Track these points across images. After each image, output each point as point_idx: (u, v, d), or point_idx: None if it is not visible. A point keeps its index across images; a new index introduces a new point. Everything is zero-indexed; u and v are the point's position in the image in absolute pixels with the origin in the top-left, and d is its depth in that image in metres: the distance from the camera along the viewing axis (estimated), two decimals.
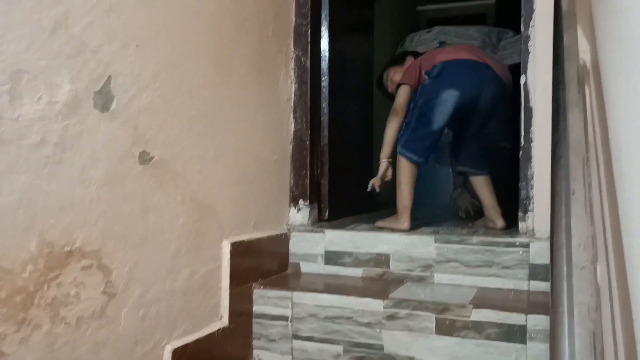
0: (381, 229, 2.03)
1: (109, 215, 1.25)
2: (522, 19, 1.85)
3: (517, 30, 3.13)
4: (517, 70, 3.15)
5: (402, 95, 2.14)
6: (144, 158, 1.36)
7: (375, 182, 2.18)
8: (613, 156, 1.08)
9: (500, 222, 2.10)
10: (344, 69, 2.37)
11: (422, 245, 1.87)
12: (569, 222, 0.84)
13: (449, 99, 2.05)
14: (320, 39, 2.18)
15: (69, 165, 1.15)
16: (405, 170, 2.08)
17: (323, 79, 2.19)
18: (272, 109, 1.98)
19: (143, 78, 1.35)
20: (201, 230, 1.58)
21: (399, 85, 2.17)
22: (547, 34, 1.75)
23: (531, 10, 1.81)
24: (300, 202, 2.10)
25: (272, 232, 1.95)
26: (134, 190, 1.33)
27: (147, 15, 1.36)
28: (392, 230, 2.00)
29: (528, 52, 1.82)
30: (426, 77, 2.11)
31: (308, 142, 2.09)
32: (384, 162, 2.16)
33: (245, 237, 1.78)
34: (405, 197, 2.08)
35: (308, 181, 2.10)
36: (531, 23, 1.81)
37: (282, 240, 1.99)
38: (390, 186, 2.22)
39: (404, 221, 2.03)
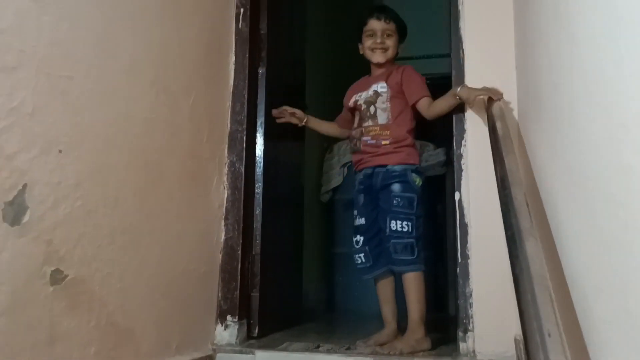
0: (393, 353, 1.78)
1: (8, 350, 1.05)
2: (454, 137, 1.90)
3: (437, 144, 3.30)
4: (439, 181, 3.30)
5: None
6: (56, 278, 1.18)
7: None
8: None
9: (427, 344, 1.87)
10: (277, 175, 2.32)
11: None
12: None
13: None
14: (255, 145, 2.13)
15: None
16: (422, 282, 1.92)
17: (257, 185, 2.12)
18: (203, 216, 1.86)
19: (63, 187, 1.21)
20: (116, 359, 1.37)
21: (423, 96, 1.98)
22: (480, 153, 1.81)
23: (463, 130, 1.87)
24: (229, 318, 1.93)
25: (196, 354, 1.75)
26: (40, 317, 1.14)
27: (73, 120, 1.24)
28: (414, 353, 1.78)
29: (461, 170, 1.85)
30: (418, 179, 1.98)
31: (239, 252, 1.97)
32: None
33: None
34: (423, 309, 1.89)
35: (238, 294, 1.95)
36: (463, 142, 1.86)
37: None
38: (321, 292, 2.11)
39: (425, 338, 1.85)
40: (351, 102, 2.12)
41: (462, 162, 1.86)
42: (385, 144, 1.96)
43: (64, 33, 1.21)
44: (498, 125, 1.55)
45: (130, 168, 1.46)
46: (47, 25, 1.16)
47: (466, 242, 1.80)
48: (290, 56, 2.54)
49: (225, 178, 2.02)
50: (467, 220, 1.81)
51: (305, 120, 2.21)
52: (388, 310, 1.98)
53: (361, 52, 2.12)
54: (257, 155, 2.14)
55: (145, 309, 1.51)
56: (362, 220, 2.01)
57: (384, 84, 2.03)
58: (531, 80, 1.63)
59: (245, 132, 2.05)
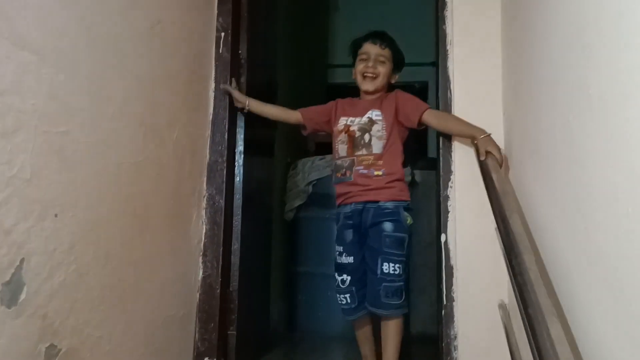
0: None
1: None
2: (440, 178, 1.91)
3: None
4: None
5: None
6: (51, 354, 1.08)
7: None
8: None
9: None
10: (254, 202, 2.24)
11: None
12: None
13: None
14: (234, 177, 2.05)
15: None
16: (402, 326, 1.89)
17: (235, 218, 2.03)
18: (182, 257, 1.77)
19: (58, 254, 1.10)
20: None
21: (427, 108, 1.90)
22: (469, 196, 1.83)
23: (450, 171, 1.88)
24: None
25: None
26: None
27: (68, 178, 1.13)
28: None
29: (447, 212, 1.86)
30: (409, 218, 1.91)
31: (218, 291, 1.89)
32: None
33: None
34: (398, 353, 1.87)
35: (216, 335, 1.87)
36: (450, 184, 1.87)
37: None
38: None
39: None
40: (341, 125, 1.95)
41: (449, 203, 1.86)
42: (378, 175, 1.85)
43: (61, 84, 1.10)
44: (495, 177, 1.57)
45: (120, 219, 1.35)
46: (46, 78, 1.05)
47: (451, 284, 1.81)
48: (265, 81, 2.46)
49: (203, 212, 1.93)
50: (452, 262, 1.82)
51: (247, 104, 2.01)
52: (368, 350, 1.96)
53: (353, 77, 2.02)
54: (236, 186, 2.05)
55: None
56: (350, 259, 1.88)
57: (379, 112, 1.92)
58: (519, 127, 1.66)
59: (225, 164, 1.96)
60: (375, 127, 1.90)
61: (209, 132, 1.96)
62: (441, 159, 1.90)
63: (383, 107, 1.93)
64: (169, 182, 1.65)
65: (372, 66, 1.93)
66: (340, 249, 1.93)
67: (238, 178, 2.06)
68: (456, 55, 1.91)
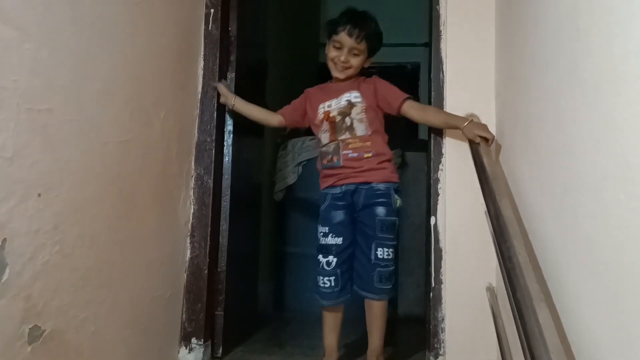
0: None
1: None
2: (430, 161, 1.90)
3: None
4: None
5: None
6: (34, 335, 1.07)
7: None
8: None
9: None
10: (243, 182, 2.22)
11: None
12: None
13: None
14: (223, 157, 2.02)
15: None
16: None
17: (224, 198, 2.01)
18: (170, 237, 1.75)
19: (42, 234, 1.08)
20: None
21: (407, 98, 1.86)
22: (459, 178, 1.82)
23: (440, 154, 1.87)
24: (193, 340, 1.85)
25: None
26: None
27: (52, 158, 1.11)
28: None
29: (438, 195, 1.86)
30: (399, 200, 1.89)
31: (206, 272, 1.88)
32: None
33: None
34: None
35: (203, 316, 1.87)
36: (440, 167, 1.86)
37: None
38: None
39: None
40: (320, 113, 1.88)
41: (439, 186, 1.86)
42: (368, 157, 1.81)
43: (44, 61, 1.07)
44: (486, 161, 1.56)
45: (105, 200, 1.33)
46: (29, 54, 1.02)
47: (440, 267, 1.82)
48: (255, 60, 2.42)
49: (192, 193, 1.91)
50: (442, 245, 1.83)
51: (233, 102, 1.95)
52: (333, 339, 1.89)
53: (326, 53, 1.89)
54: (225, 166, 2.03)
55: (116, 349, 1.41)
56: (339, 240, 1.81)
57: (358, 93, 1.86)
58: (512, 110, 1.65)
59: (214, 144, 1.93)
60: (355, 110, 1.84)
61: (197, 111, 1.93)
62: (432, 141, 1.89)
63: (361, 89, 1.87)
64: (156, 162, 1.63)
65: (344, 59, 1.84)
66: (326, 229, 1.85)
67: (227, 158, 2.04)
68: (449, 37, 1.89)
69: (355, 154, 1.82)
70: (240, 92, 2.07)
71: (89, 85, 1.25)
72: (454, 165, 1.84)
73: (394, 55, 4.59)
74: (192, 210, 1.90)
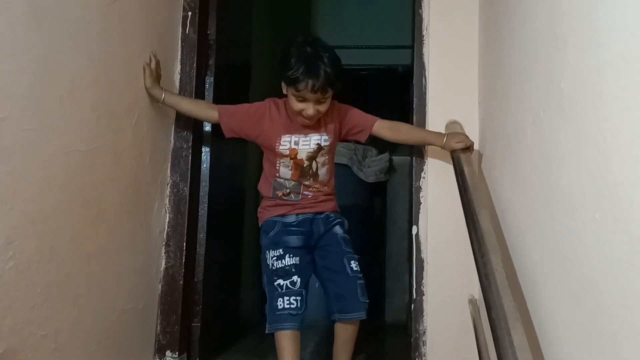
0: None
1: None
2: (412, 169, 1.85)
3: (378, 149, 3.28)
4: (380, 187, 3.28)
5: None
6: None
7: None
8: None
9: None
10: (222, 189, 2.17)
11: None
12: None
13: None
14: (201, 163, 1.97)
15: None
16: None
17: (201, 206, 1.96)
18: (142, 248, 1.70)
19: None
20: None
21: (375, 120, 1.76)
22: (441, 187, 1.78)
23: (422, 162, 1.82)
24: (168, 353, 1.79)
25: None
26: None
27: (4, 169, 1.05)
28: None
29: (419, 203, 1.81)
30: (346, 223, 1.82)
31: (181, 282, 1.82)
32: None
33: None
34: None
35: (179, 327, 1.81)
36: (423, 175, 1.82)
37: None
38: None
39: None
40: (285, 149, 1.69)
41: (421, 194, 1.81)
42: (324, 198, 1.75)
43: None
44: (466, 170, 1.51)
45: (68, 211, 1.27)
46: None
47: (422, 278, 1.77)
48: (237, 62, 2.37)
49: (167, 201, 1.85)
50: (423, 255, 1.78)
51: (162, 98, 1.72)
52: None
53: (284, 93, 1.66)
54: (202, 173, 1.98)
55: None
56: (297, 260, 1.66)
57: (327, 137, 1.71)
58: (493, 119, 1.60)
59: (191, 150, 1.88)
60: (321, 153, 1.72)
61: (173, 116, 1.88)
62: (414, 147, 1.85)
63: (328, 129, 1.72)
64: (127, 171, 1.57)
65: (312, 114, 1.61)
66: (279, 251, 1.68)
67: (205, 165, 1.98)
68: (432, 42, 1.84)
69: (311, 196, 1.74)
70: (220, 95, 2.02)
71: (51, 91, 1.20)
72: (437, 173, 1.80)
73: (384, 58, 4.56)
74: (167, 219, 1.85)
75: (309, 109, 1.60)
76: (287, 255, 1.68)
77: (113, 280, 1.50)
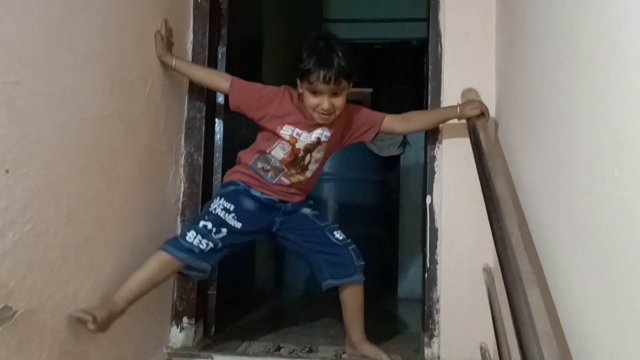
0: None
1: None
2: (427, 137, 1.84)
3: None
4: (393, 161, 3.27)
5: None
6: (5, 316, 1.03)
7: None
8: None
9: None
10: (234, 163, 2.17)
11: None
12: None
13: None
14: (214, 134, 1.97)
15: None
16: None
17: (216, 176, 1.97)
18: (159, 216, 1.71)
19: (11, 212, 1.04)
20: None
21: (384, 116, 1.77)
22: (456, 156, 1.76)
23: (437, 131, 1.80)
24: (185, 320, 1.82)
25: None
26: None
27: (21, 132, 1.06)
28: None
29: (434, 173, 1.80)
30: None
31: None
32: None
33: None
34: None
35: (195, 295, 1.83)
36: (437, 144, 1.80)
37: None
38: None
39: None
40: (285, 134, 1.66)
41: (435, 164, 1.80)
42: (295, 192, 1.74)
43: (9, 29, 1.01)
44: (482, 137, 1.50)
45: (84, 176, 1.29)
46: None
47: (435, 247, 1.77)
48: (249, 35, 2.35)
49: (182, 171, 1.86)
50: (437, 225, 1.77)
51: (174, 65, 1.69)
52: (139, 291, 1.51)
53: (300, 92, 1.63)
54: (216, 144, 1.98)
55: None
56: (238, 225, 1.63)
57: (329, 133, 1.68)
58: (511, 84, 1.58)
59: (204, 120, 1.88)
60: (318, 149, 1.69)
61: (186, 86, 1.88)
62: None
63: (332, 125, 1.68)
64: (142, 139, 1.58)
65: (327, 107, 1.57)
66: (230, 207, 1.64)
67: (218, 135, 1.99)
68: (448, 7, 1.81)
69: (287, 183, 1.71)
70: (232, 66, 2.01)
71: (64, 56, 1.20)
72: (452, 143, 1.78)
73: (398, 31, 4.50)
74: (182, 189, 1.86)
75: (324, 102, 1.57)
76: (231, 215, 1.64)
77: (129, 247, 1.52)
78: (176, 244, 1.56)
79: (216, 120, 1.98)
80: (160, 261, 1.54)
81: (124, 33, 1.47)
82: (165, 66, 1.69)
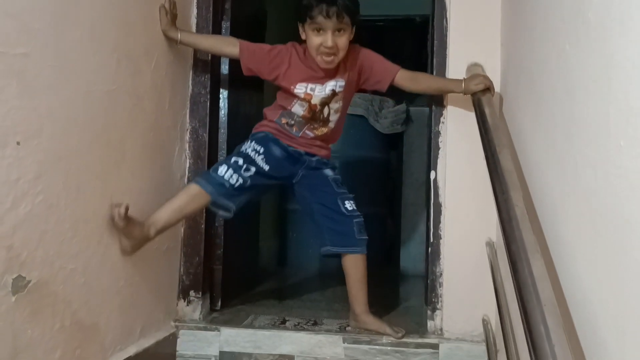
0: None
1: None
2: (432, 113, 1.84)
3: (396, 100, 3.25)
4: (396, 138, 3.27)
5: None
6: (18, 285, 1.05)
7: None
8: None
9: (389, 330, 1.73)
10: (240, 136, 2.17)
11: (329, 346, 1.74)
12: None
13: None
14: (219, 109, 1.98)
15: None
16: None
17: (220, 152, 1.98)
18: (165, 191, 1.72)
19: (22, 183, 1.05)
20: (82, 358, 1.27)
21: (398, 70, 1.76)
22: (460, 131, 1.77)
23: (442, 106, 1.81)
24: (192, 293, 1.85)
25: (160, 335, 1.68)
26: (2, 330, 1.02)
27: (31, 105, 1.07)
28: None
29: (438, 148, 1.80)
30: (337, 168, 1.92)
31: (203, 226, 1.86)
32: None
33: (131, 350, 1.50)
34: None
35: (201, 269, 1.86)
36: (442, 119, 1.80)
37: (170, 342, 1.73)
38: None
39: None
40: (300, 92, 1.69)
41: (440, 139, 1.80)
42: (321, 144, 1.79)
43: (18, 1, 1.02)
44: (487, 111, 1.50)
45: (93, 150, 1.30)
46: None
47: (439, 222, 1.78)
48: (253, 9, 2.33)
49: (187, 146, 1.87)
50: (441, 200, 1.79)
51: (179, 38, 1.69)
52: (171, 220, 1.63)
53: (303, 38, 1.66)
54: (220, 120, 1.99)
55: (109, 300, 1.40)
56: (266, 167, 1.69)
57: (343, 82, 1.71)
58: (516, 58, 1.58)
59: (209, 96, 1.88)
60: (335, 99, 1.72)
61: (191, 61, 1.87)
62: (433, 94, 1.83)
63: (345, 75, 1.71)
64: (148, 114, 1.58)
65: (331, 44, 1.58)
66: (260, 149, 1.71)
67: (223, 112, 1.99)
68: None
69: (312, 135, 1.76)
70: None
71: (72, 29, 1.20)
72: (456, 118, 1.79)
73: (401, 7, 4.45)
74: (187, 165, 1.87)
75: (327, 40, 1.58)
76: (262, 157, 1.70)
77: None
78: (208, 177, 1.65)
79: (220, 96, 1.98)
80: (189, 194, 1.62)
81: (130, 7, 1.47)
82: (170, 41, 1.69)
